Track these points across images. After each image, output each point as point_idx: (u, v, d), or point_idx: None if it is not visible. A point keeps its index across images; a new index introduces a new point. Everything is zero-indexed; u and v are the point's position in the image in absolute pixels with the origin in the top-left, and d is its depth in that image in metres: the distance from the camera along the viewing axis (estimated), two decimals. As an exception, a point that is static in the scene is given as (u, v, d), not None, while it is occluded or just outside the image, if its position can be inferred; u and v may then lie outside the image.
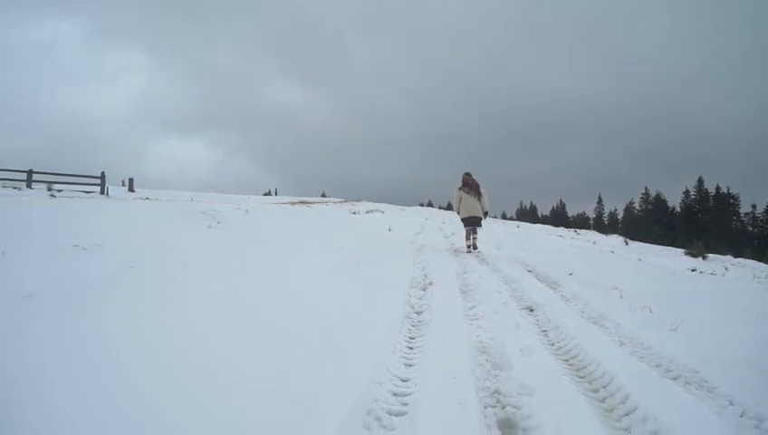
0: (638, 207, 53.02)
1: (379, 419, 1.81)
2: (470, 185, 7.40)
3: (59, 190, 12.30)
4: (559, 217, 53.35)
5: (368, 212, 17.00)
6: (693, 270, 10.30)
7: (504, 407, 1.97)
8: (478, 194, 7.36)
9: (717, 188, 46.85)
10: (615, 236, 20.68)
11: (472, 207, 7.31)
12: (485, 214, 7.47)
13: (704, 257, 14.33)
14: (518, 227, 19.07)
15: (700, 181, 47.85)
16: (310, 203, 20.68)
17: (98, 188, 14.42)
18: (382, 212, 17.61)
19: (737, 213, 46.14)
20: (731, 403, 1.97)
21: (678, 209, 48.90)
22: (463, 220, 7.43)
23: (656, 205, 50.44)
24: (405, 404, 1.94)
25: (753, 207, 45.00)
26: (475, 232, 7.32)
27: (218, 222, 8.39)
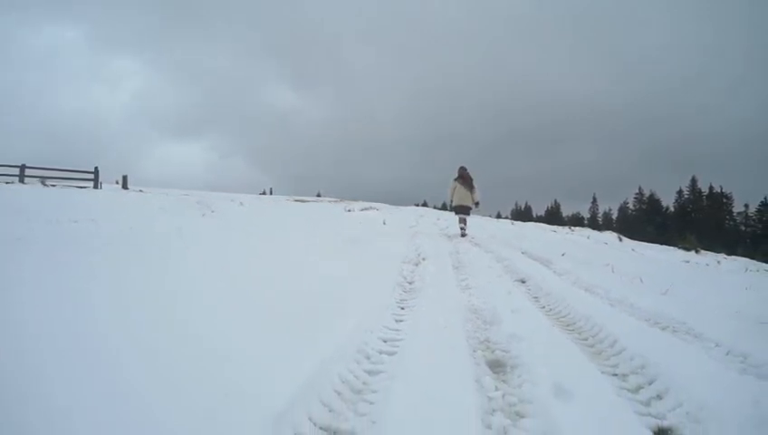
0: (632, 206, 53.30)
1: (368, 356, 1.81)
2: (464, 177, 8.04)
3: (52, 185, 12.21)
4: (553, 217, 53.37)
5: (363, 210, 16.96)
6: (686, 262, 10.38)
7: (493, 351, 1.98)
8: (470, 187, 7.82)
9: (711, 188, 47.17)
10: (609, 232, 20.79)
11: (463, 197, 7.87)
12: (476, 204, 8.02)
13: (697, 251, 14.42)
14: (512, 223, 19.13)
15: (693, 181, 48.21)
16: (304, 201, 20.62)
17: (91, 184, 14.31)
18: (377, 210, 17.58)
19: (730, 212, 46.40)
20: (717, 345, 2.00)
21: (672, 209, 49.21)
22: (454, 208, 7.98)
23: (650, 205, 50.72)
24: (395, 347, 1.95)
25: (746, 206, 45.24)
26: (464, 220, 7.88)
27: (212, 211, 8.37)
